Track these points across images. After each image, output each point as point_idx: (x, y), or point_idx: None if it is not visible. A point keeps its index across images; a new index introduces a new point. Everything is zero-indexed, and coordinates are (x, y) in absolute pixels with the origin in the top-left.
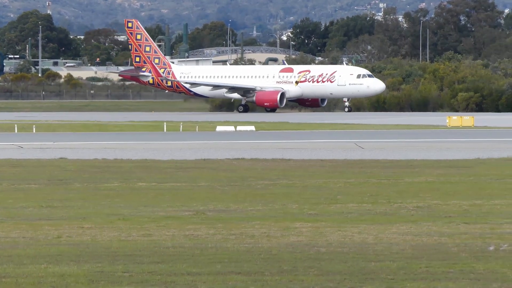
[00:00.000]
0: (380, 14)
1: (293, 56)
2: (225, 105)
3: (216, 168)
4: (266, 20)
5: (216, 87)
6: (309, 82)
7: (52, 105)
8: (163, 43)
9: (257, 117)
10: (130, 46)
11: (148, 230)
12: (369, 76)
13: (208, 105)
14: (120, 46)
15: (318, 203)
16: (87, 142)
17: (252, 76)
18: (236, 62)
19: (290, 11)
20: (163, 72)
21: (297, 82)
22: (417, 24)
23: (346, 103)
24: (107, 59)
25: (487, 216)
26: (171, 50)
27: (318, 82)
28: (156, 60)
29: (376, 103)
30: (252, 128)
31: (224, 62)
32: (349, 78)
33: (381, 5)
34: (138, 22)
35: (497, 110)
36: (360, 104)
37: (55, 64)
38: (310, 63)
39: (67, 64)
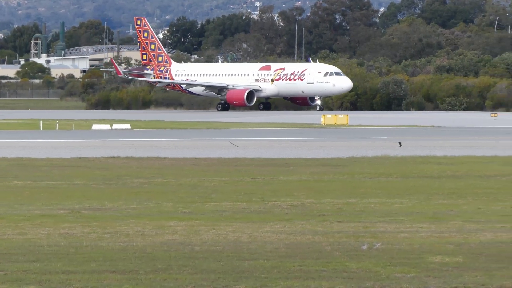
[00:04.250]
0: (256, 12)
1: (169, 55)
2: (101, 104)
3: (91, 167)
4: None
5: (189, 85)
6: (283, 80)
7: None
8: (40, 42)
9: (141, 115)
10: (138, 43)
11: (23, 229)
12: (336, 74)
13: (84, 103)
14: None
15: (192, 201)
16: None
17: (235, 74)
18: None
19: (167, 10)
20: (161, 70)
21: (272, 80)
22: (292, 22)
23: (318, 102)
24: None
25: (361, 214)
26: (48, 48)
27: (290, 80)
28: (160, 58)
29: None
30: (128, 126)
31: (100, 60)
32: (317, 76)
33: (257, 3)
34: (146, 20)
35: (372, 108)
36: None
37: None
38: (186, 62)
39: None
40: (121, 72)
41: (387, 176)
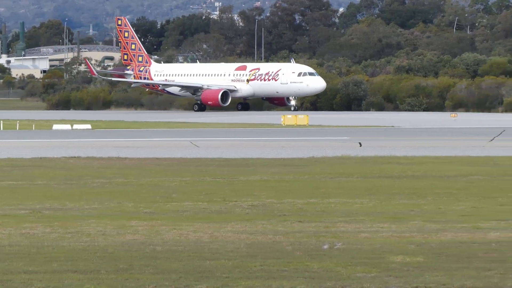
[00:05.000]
0: (215, 13)
1: None
2: (62, 104)
3: (53, 167)
4: (102, 19)
5: (167, 86)
6: (258, 80)
7: None
8: (0, 42)
9: (101, 115)
10: (119, 44)
11: None
12: (310, 74)
13: (45, 103)
14: None
15: (154, 201)
16: None
17: (212, 75)
18: (73, 61)
19: (126, 10)
20: (141, 70)
21: (248, 81)
22: (252, 22)
23: (293, 102)
24: None
25: (322, 214)
26: (8, 49)
27: (265, 80)
28: (140, 58)
29: None
30: (89, 126)
31: (60, 61)
32: (291, 76)
33: (216, 4)
34: (126, 20)
35: (332, 109)
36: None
37: None
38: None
39: None
40: (95, 72)
41: (348, 176)
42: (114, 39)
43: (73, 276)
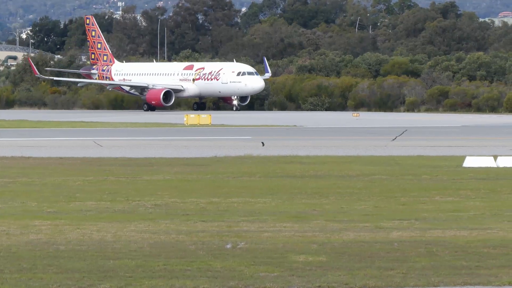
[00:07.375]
0: (118, 12)
1: (32, 54)
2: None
3: None
4: (5, 18)
5: (111, 85)
6: (202, 80)
7: None
8: None
9: (4, 115)
10: (87, 43)
11: None
12: (249, 73)
13: None
14: None
15: (57, 201)
16: None
17: (163, 74)
18: None
19: (29, 10)
20: (104, 70)
21: (193, 80)
22: (155, 22)
23: (234, 102)
24: None
25: (224, 214)
26: None
27: (208, 80)
28: (105, 57)
29: (114, 101)
30: None
31: None
32: (231, 76)
33: (119, 3)
34: (94, 19)
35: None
36: (99, 102)
37: None
38: (49, 61)
39: None
40: (37, 72)
41: (250, 175)
42: (17, 38)
43: None
